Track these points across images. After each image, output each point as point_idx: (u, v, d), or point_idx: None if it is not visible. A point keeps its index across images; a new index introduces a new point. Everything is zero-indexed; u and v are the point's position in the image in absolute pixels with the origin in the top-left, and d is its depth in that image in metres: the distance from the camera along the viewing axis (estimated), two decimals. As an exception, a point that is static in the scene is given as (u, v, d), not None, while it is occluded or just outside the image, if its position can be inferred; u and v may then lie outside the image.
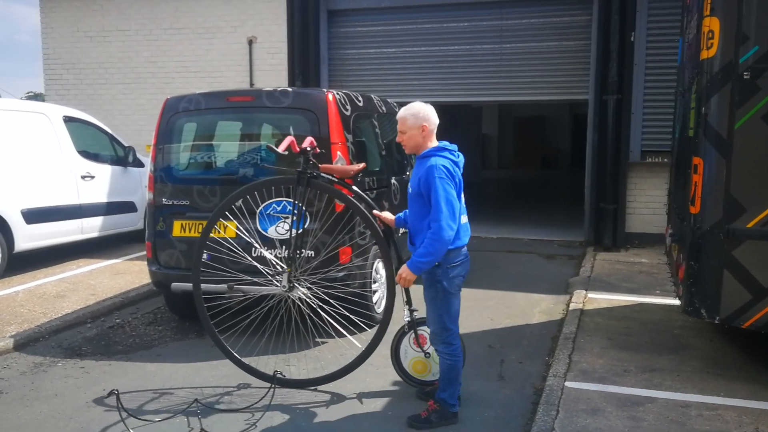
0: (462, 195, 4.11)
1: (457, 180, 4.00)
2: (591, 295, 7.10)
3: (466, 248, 4.19)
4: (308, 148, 4.51)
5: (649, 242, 9.91)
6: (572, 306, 6.67)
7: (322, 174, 4.59)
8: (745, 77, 4.37)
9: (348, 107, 6.09)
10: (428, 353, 4.66)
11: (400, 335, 4.74)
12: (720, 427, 4.03)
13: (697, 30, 4.77)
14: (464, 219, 4.14)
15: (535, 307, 6.94)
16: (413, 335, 4.68)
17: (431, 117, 4.08)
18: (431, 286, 4.15)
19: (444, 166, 3.92)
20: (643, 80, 9.92)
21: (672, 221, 6.27)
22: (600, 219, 10.12)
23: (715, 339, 5.65)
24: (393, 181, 6.89)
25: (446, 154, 4.02)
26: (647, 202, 10.13)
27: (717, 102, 4.49)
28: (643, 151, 10.03)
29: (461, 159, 4.13)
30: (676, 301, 5.84)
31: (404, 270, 4.04)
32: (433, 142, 4.12)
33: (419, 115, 4.06)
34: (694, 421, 4.12)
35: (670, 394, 4.53)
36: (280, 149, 4.48)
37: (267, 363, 5.10)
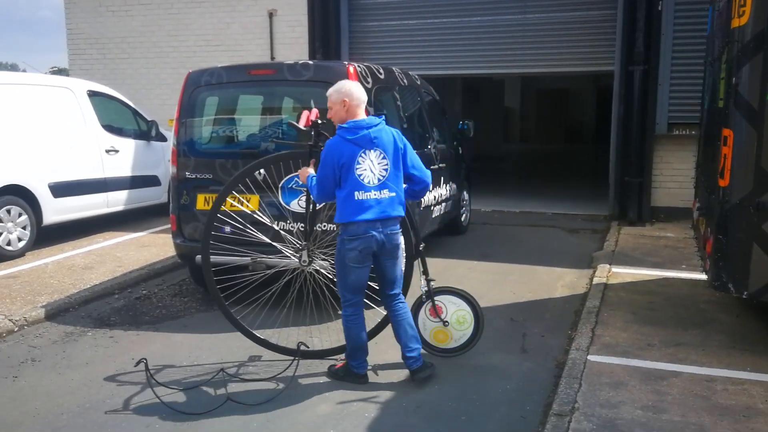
0: (361, 168, 4.16)
1: (339, 156, 4.14)
2: (615, 269, 7.05)
3: (373, 226, 4.19)
4: (319, 121, 4.52)
5: (675, 216, 9.77)
6: (596, 280, 6.63)
7: None
8: (777, 46, 4.26)
9: (369, 80, 6.05)
10: (447, 321, 4.73)
11: (418, 306, 4.79)
12: (746, 401, 4.01)
13: (728, -2, 4.65)
14: (363, 195, 4.17)
15: (558, 281, 6.91)
16: (430, 305, 4.73)
17: (354, 93, 4.26)
18: (336, 254, 4.39)
19: (327, 145, 4.23)
20: (671, 50, 9.70)
21: (700, 195, 6.18)
22: (625, 193, 10.00)
23: (743, 314, 5.59)
24: (415, 154, 6.85)
25: (340, 132, 4.21)
26: (674, 176, 9.97)
27: (748, 72, 4.39)
28: (670, 123, 9.84)
29: (372, 132, 4.19)
30: (702, 276, 5.78)
31: (303, 171, 4.48)
32: (358, 117, 4.25)
33: (341, 91, 4.27)
34: (719, 395, 4.09)
35: (695, 368, 4.50)
36: (301, 125, 4.48)
37: (289, 335, 5.15)
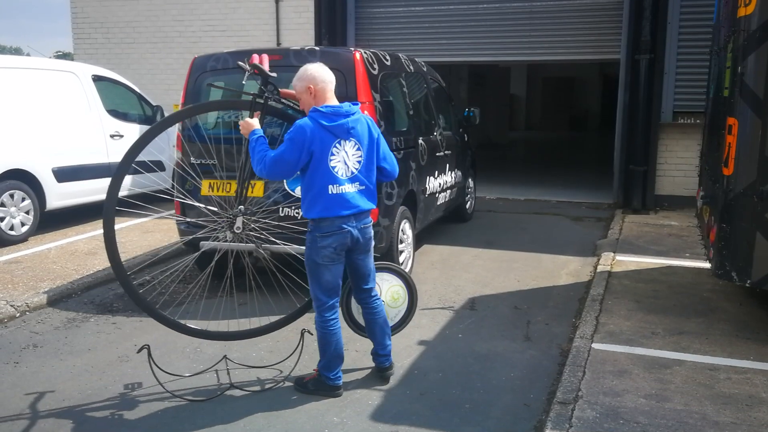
0: (335, 160, 3.84)
1: (311, 142, 3.77)
2: (619, 257, 7.05)
3: (347, 221, 3.90)
4: (268, 67, 4.17)
5: (679, 205, 9.76)
6: (600, 268, 6.63)
7: (283, 100, 4.29)
8: (785, 35, 4.23)
9: (376, 66, 6.02)
10: (380, 299, 4.37)
11: (350, 289, 4.41)
12: (749, 390, 4.01)
13: (736, -14, 4.61)
14: (337, 189, 3.85)
15: (563, 269, 6.91)
16: None
17: (317, 76, 3.91)
18: (305, 252, 4.04)
19: (301, 126, 3.80)
20: (677, 39, 9.65)
21: (704, 183, 6.16)
22: (629, 181, 9.99)
23: (746, 303, 5.58)
24: (420, 141, 6.84)
25: (315, 115, 3.83)
26: (678, 164, 9.95)
27: (754, 61, 4.37)
28: (675, 111, 9.82)
29: (350, 121, 3.87)
30: (706, 264, 5.78)
31: (247, 123, 4.08)
32: (329, 101, 3.92)
33: (303, 77, 3.93)
34: (722, 384, 4.10)
35: (699, 357, 4.50)
36: (267, 70, 4.15)
37: (298, 324, 5.15)
